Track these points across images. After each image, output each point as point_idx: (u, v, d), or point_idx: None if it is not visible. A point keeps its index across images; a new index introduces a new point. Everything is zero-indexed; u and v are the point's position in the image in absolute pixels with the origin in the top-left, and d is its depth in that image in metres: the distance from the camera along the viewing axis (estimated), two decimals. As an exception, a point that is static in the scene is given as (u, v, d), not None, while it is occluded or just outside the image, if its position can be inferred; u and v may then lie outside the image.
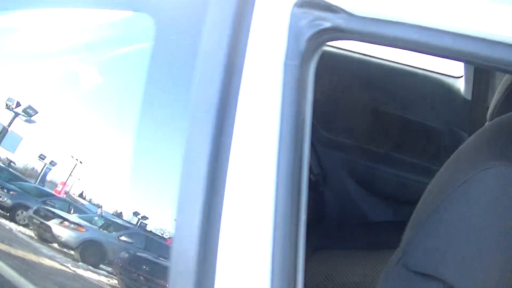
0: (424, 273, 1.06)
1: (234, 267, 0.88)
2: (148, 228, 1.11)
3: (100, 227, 1.25)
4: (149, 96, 1.05)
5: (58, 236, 1.29)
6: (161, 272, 1.16)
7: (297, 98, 0.88)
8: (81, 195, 1.27)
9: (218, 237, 0.88)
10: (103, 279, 1.20)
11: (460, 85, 2.87)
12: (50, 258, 1.31)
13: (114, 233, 1.23)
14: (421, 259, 1.07)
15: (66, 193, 1.28)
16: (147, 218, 1.16)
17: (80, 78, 1.30)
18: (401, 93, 2.94)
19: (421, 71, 2.96)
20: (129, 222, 1.17)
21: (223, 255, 0.88)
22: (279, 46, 0.88)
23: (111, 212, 1.22)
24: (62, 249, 1.29)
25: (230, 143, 0.88)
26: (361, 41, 0.89)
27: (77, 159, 1.22)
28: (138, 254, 1.21)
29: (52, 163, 1.30)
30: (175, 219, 0.93)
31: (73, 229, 1.28)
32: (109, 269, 1.23)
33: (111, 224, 1.22)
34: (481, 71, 2.56)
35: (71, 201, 1.28)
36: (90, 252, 1.26)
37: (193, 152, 0.90)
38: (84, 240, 1.26)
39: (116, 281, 1.19)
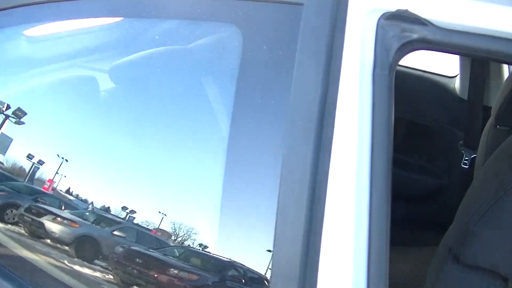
0: (479, 266, 1.09)
1: (334, 268, 0.89)
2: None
3: (93, 222, 1.25)
4: (239, 104, 1.07)
5: (52, 232, 1.28)
6: (155, 265, 1.19)
7: (387, 105, 0.92)
8: (69, 192, 1.27)
9: (320, 240, 0.89)
10: (99, 274, 1.20)
11: (455, 84, 2.88)
12: (45, 254, 1.30)
13: (107, 228, 1.23)
14: (477, 253, 1.10)
15: (54, 189, 1.28)
16: (135, 212, 1.17)
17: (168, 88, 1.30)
18: (396, 93, 2.95)
19: (416, 72, 2.97)
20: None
21: (325, 256, 0.90)
22: (368, 56, 0.91)
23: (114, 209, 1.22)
24: (56, 245, 1.29)
25: (330, 149, 0.90)
26: (445, 52, 0.94)
27: (63, 158, 1.22)
28: (133, 248, 1.21)
29: (40, 162, 1.30)
30: (275, 222, 0.94)
31: (67, 225, 1.27)
32: (105, 264, 1.23)
33: (104, 219, 1.23)
34: (477, 71, 2.57)
35: (61, 197, 1.29)
36: (85, 247, 1.26)
37: (294, 158, 0.92)
38: (78, 236, 1.26)
39: (111, 276, 1.20)
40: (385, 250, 0.88)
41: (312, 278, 0.88)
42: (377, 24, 0.91)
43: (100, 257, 1.26)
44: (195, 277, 1.17)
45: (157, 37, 1.29)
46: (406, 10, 0.90)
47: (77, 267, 1.23)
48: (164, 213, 1.13)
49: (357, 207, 0.88)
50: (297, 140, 0.92)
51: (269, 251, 1.01)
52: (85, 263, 1.22)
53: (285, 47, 0.99)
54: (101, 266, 1.21)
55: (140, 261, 1.18)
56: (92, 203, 1.24)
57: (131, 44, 1.34)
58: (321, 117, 0.91)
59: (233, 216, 1.10)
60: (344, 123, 0.91)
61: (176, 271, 1.16)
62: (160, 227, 1.14)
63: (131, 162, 1.21)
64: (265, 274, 1.05)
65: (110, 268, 1.21)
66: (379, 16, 0.91)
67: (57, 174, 1.24)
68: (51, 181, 1.27)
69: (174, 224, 1.13)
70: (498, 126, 2.06)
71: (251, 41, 1.06)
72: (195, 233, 1.14)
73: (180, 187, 1.18)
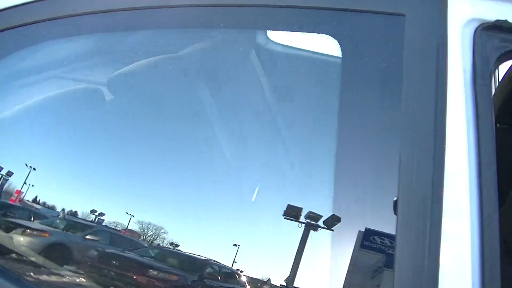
0: None
1: (453, 272, 0.89)
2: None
3: (63, 229, 1.24)
4: (345, 113, 1.07)
5: (21, 245, 1.25)
6: (132, 267, 1.18)
7: (490, 113, 0.92)
8: (37, 201, 1.26)
9: (439, 247, 0.89)
10: (74, 280, 1.18)
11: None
12: (18, 265, 1.27)
13: (79, 233, 1.22)
14: None
15: (21, 200, 1.27)
16: (104, 214, 1.17)
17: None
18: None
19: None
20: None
21: (443, 259, 0.89)
22: (467, 65, 0.92)
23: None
24: (28, 257, 1.26)
25: (443, 160, 0.91)
26: None
27: (31, 166, 1.22)
28: (108, 250, 1.21)
29: (9, 174, 1.28)
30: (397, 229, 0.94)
31: (36, 236, 1.25)
32: (80, 269, 1.22)
33: (75, 224, 1.22)
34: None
35: (30, 208, 1.27)
36: (56, 255, 1.24)
37: (413, 168, 0.92)
38: (48, 245, 1.24)
39: (85, 279, 1.18)
40: (497, 253, 0.88)
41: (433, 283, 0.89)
42: (474, 34, 0.92)
43: (74, 262, 1.25)
44: (175, 277, 1.17)
45: (252, 51, 1.31)
46: (506, 20, 0.91)
47: (51, 276, 1.21)
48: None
49: (471, 213, 0.89)
50: (413, 152, 0.92)
51: (235, 245, 1.05)
52: (59, 270, 1.21)
53: (389, 58, 1.01)
54: (76, 272, 1.20)
55: (117, 264, 1.18)
56: (63, 209, 1.23)
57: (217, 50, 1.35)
58: (434, 127, 0.92)
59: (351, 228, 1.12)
60: (453, 132, 0.92)
61: (155, 272, 1.16)
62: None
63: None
64: (232, 266, 1.07)
65: (86, 273, 1.20)
66: (476, 26, 0.93)
67: (25, 184, 1.23)
68: (18, 192, 1.25)
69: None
70: (498, 125, 2.08)
71: (351, 53, 1.07)
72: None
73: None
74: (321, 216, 1.20)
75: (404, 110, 0.93)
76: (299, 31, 1.16)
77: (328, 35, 1.10)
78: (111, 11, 1.24)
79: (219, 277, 1.12)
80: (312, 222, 1.21)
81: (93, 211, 1.17)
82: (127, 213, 1.13)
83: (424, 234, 0.89)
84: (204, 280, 1.14)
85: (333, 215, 1.20)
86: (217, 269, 1.12)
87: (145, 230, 1.13)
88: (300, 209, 1.19)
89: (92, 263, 1.21)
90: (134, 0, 1.20)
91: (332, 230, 1.17)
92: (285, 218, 1.17)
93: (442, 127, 0.91)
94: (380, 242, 1.23)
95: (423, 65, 0.94)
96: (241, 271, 1.09)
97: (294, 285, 1.12)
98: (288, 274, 1.15)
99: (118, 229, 1.16)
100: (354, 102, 1.06)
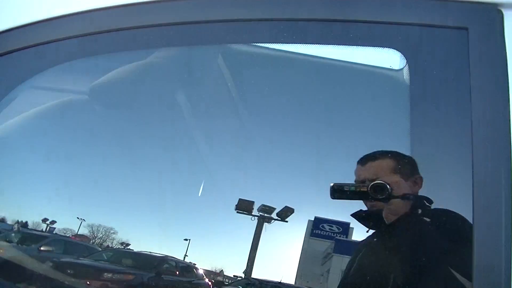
0: None
1: None
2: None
3: (18, 243, 1.23)
4: (418, 124, 1.09)
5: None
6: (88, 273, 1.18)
7: None
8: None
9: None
10: None
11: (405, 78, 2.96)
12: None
13: (33, 245, 1.22)
14: None
15: None
16: (55, 222, 1.16)
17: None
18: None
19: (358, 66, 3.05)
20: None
21: None
22: None
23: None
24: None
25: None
26: None
27: None
28: (62, 260, 1.21)
29: None
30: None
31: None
32: (35, 281, 1.21)
33: (29, 236, 1.21)
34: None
35: None
36: (11, 270, 1.22)
37: (486, 170, 0.94)
38: (3, 261, 1.23)
39: None
40: None
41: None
42: None
43: (30, 276, 1.23)
44: (130, 276, 1.19)
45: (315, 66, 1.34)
46: None
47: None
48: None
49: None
50: (484, 157, 0.94)
51: (186, 239, 1.08)
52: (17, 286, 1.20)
53: (455, 71, 1.04)
54: (33, 285, 1.19)
55: (72, 272, 1.17)
56: (18, 222, 1.23)
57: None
58: (502, 131, 0.95)
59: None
60: None
61: (110, 275, 1.17)
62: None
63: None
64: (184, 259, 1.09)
65: (40, 285, 1.20)
66: None
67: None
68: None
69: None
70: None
71: (418, 67, 1.10)
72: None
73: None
74: (274, 209, 1.23)
75: (474, 115, 0.97)
76: (365, 46, 1.19)
77: (393, 49, 1.14)
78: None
79: (177, 272, 1.14)
80: (266, 214, 1.24)
81: (44, 220, 1.17)
82: (78, 217, 1.14)
83: (499, 230, 0.92)
84: (162, 276, 1.16)
85: (286, 206, 1.23)
86: (174, 264, 1.15)
87: (95, 233, 1.15)
88: (252, 202, 1.22)
89: (47, 274, 1.21)
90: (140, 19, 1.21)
91: (286, 222, 1.20)
92: (237, 212, 1.19)
93: (508, 129, 0.95)
94: (329, 229, 1.26)
95: (487, 74, 0.98)
96: (195, 264, 1.11)
97: (252, 276, 1.15)
98: (245, 267, 1.18)
99: (68, 235, 1.16)
100: (428, 115, 1.09)
